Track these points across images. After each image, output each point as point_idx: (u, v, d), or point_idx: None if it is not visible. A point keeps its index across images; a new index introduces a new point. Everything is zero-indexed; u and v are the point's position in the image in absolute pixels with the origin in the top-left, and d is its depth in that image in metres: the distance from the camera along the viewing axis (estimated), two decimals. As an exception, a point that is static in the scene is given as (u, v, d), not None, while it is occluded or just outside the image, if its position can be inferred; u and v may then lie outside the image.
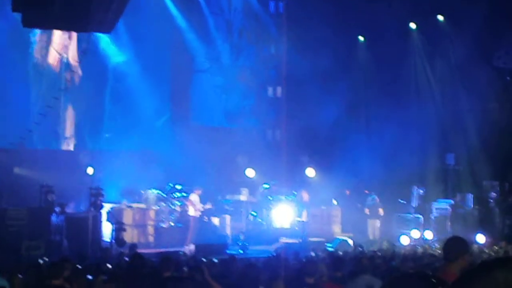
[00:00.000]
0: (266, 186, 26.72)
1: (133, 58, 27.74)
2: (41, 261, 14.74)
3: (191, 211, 23.16)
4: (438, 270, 7.14)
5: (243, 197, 25.50)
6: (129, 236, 21.78)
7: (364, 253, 17.90)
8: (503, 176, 26.96)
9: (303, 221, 24.61)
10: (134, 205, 23.93)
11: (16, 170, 23.57)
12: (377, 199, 26.29)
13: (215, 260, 14.12)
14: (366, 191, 26.91)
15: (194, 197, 23.31)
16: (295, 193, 25.71)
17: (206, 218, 24.36)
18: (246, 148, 27.73)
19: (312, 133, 27.62)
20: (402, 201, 27.29)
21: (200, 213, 23.45)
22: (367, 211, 26.28)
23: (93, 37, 24.18)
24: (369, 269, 10.18)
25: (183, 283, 2.92)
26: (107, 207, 21.82)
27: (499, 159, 26.93)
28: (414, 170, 27.58)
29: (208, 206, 24.11)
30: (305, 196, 24.92)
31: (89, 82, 25.96)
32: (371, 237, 25.47)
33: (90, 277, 10.37)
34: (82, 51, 24.82)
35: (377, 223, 26.03)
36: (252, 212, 25.93)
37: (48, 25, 17.99)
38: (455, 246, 6.31)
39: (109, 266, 13.68)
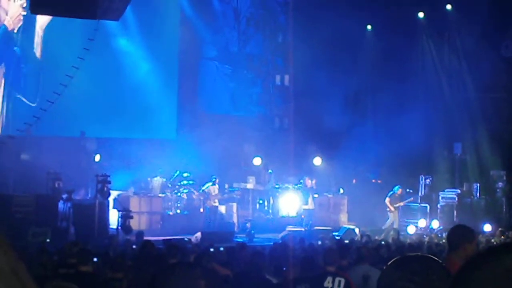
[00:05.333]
0: (270, 171, 26.79)
1: (140, 44, 27.70)
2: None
3: (212, 201, 23.64)
4: (443, 260, 7.13)
5: (250, 185, 25.51)
6: (136, 223, 21.83)
7: (370, 243, 17.86)
8: (510, 165, 26.89)
9: (309, 209, 24.59)
10: (141, 192, 24.01)
11: (23, 156, 23.59)
12: (398, 192, 24.94)
13: (221, 248, 14.12)
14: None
15: (215, 187, 23.94)
16: (302, 181, 25.70)
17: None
18: (253, 136, 27.70)
19: (319, 121, 27.56)
20: (409, 190, 27.24)
21: (217, 203, 23.94)
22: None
23: (101, 23, 24.10)
24: (369, 258, 10.14)
25: (189, 269, 2.92)
26: (114, 194, 21.88)
27: (506, 148, 26.85)
28: (421, 160, 27.54)
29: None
30: (309, 183, 24.89)
31: (96, 70, 25.89)
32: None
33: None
34: (89, 38, 24.70)
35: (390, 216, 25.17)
36: (259, 200, 25.97)
37: (56, 12, 17.96)
38: (457, 234, 6.24)
39: (116, 252, 13.70)
